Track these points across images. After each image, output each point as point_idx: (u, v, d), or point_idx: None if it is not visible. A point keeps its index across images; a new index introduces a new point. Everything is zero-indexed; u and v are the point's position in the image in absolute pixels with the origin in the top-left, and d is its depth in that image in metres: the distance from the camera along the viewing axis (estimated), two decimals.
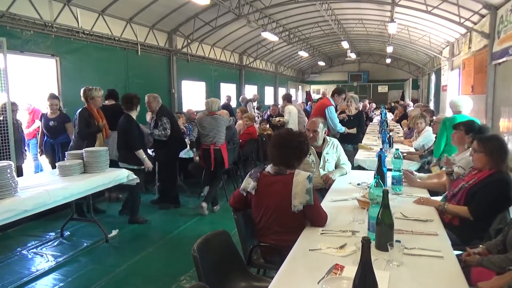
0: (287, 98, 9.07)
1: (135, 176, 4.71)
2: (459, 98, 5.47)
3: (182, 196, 6.42)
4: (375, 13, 12.86)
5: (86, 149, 4.59)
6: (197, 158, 5.86)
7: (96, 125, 5.25)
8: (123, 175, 4.58)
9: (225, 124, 5.86)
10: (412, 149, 5.94)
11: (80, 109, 5.31)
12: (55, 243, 4.61)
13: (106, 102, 5.96)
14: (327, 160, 3.99)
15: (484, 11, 8.76)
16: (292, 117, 8.56)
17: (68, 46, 7.65)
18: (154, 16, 9.79)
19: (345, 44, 16.60)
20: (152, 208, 5.85)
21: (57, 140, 5.86)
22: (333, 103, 6.39)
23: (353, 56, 20.12)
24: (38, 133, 7.09)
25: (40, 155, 6.26)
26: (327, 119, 5.83)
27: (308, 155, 3.89)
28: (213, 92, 13.95)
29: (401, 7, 10.11)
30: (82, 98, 5.32)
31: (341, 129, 6.36)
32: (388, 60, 22.01)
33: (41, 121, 6.09)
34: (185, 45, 11.44)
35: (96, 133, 5.25)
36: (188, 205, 6.10)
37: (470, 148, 3.51)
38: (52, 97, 5.98)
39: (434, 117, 6.64)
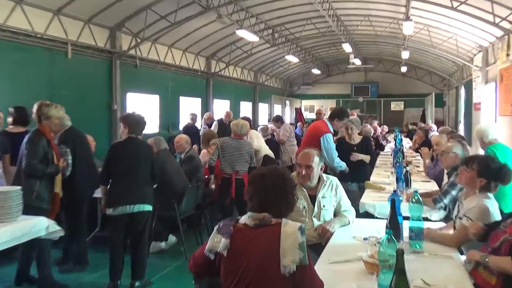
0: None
1: (59, 228, 4.61)
2: (486, 126, 5.64)
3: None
4: (385, 8, 13.28)
5: None
6: (213, 186, 6.84)
7: (55, 163, 5.04)
8: (41, 226, 4.45)
9: (250, 152, 6.90)
10: (435, 186, 5.99)
11: (31, 133, 5.07)
12: None
13: (11, 128, 5.88)
14: (323, 206, 4.02)
15: None
16: (260, 142, 8.97)
17: None
18: (92, 7, 9.84)
19: (347, 47, 16.99)
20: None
21: None
22: (331, 128, 6.47)
23: (357, 62, 20.56)
24: None
25: None
26: (322, 151, 5.88)
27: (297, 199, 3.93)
28: (169, 108, 13.97)
29: (419, 2, 10.49)
30: (34, 116, 5.16)
31: (339, 164, 6.40)
32: (404, 69, 22.57)
33: None
34: (132, 45, 11.49)
35: (55, 175, 5.08)
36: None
37: (479, 196, 3.59)
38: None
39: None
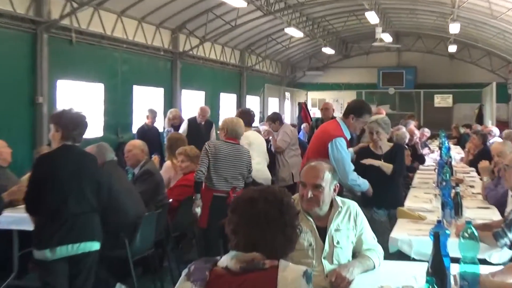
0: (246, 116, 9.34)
1: None
2: None
3: None
4: None
5: None
6: (198, 209, 6.88)
7: None
8: None
9: (248, 162, 7.29)
10: (496, 214, 6.00)
11: None
12: None
13: None
14: (338, 242, 4.03)
15: None
16: (258, 150, 8.86)
17: None
18: None
19: (372, 17, 17.15)
20: None
21: None
22: (345, 131, 6.50)
23: (387, 39, 20.65)
24: None
25: None
26: (331, 162, 5.81)
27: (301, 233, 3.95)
28: (119, 102, 13.96)
29: None
30: None
31: (356, 182, 6.32)
32: (453, 48, 22.75)
33: None
34: (66, 12, 11.47)
35: None
36: None
37: None
38: None
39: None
